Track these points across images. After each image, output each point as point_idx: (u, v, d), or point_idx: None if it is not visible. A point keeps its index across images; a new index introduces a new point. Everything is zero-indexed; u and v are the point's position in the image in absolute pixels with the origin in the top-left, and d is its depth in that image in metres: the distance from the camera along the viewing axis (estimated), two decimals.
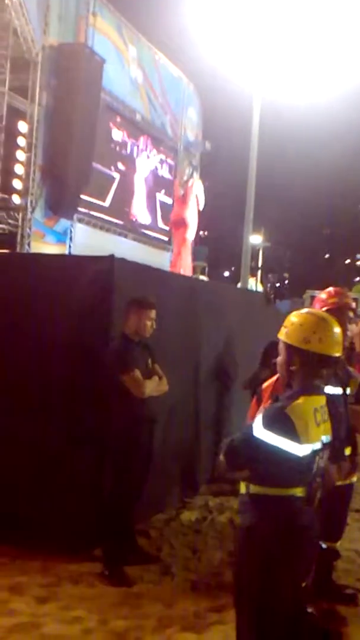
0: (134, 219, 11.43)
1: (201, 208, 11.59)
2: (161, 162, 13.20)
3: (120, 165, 12.66)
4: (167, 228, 13.88)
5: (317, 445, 2.99)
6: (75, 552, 5.04)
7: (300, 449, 2.88)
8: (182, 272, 10.85)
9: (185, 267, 11.15)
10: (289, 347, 3.10)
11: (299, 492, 2.99)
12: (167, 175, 13.75)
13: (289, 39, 14.26)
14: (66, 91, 9.69)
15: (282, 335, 3.14)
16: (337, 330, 3.13)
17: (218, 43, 14.99)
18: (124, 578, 4.80)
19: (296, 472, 2.94)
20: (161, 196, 13.31)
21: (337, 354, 3.11)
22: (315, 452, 2.97)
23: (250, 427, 2.97)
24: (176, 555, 5.35)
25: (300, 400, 2.97)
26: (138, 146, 11.82)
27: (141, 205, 12.64)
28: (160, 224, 13.14)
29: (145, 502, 5.36)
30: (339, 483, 3.94)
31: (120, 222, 12.23)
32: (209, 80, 17.27)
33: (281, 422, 2.90)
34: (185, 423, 6.72)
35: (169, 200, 13.72)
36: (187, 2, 15.03)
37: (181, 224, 11.41)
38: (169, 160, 13.13)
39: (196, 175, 11.33)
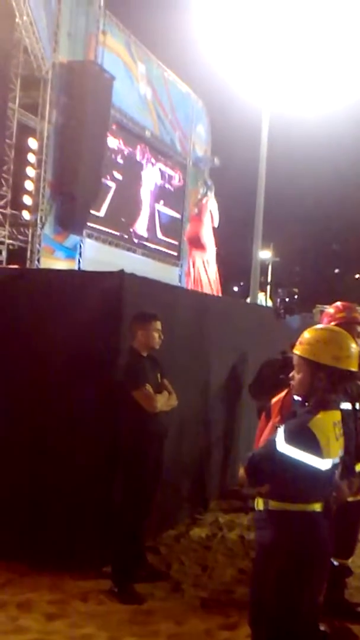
0: (132, 231, 11.38)
1: (216, 225, 11.59)
2: (161, 172, 13.19)
3: (117, 174, 12.63)
4: (175, 242, 13.91)
5: (337, 460, 3.02)
6: (84, 569, 5.01)
7: (323, 463, 2.91)
8: (207, 291, 10.84)
9: (212, 287, 11.13)
10: (314, 364, 3.09)
11: (318, 507, 3.00)
12: (168, 186, 13.73)
13: (296, 53, 14.35)
14: (76, 108, 9.77)
15: (304, 352, 3.13)
16: (354, 346, 3.18)
17: (226, 58, 15.11)
18: (134, 595, 4.77)
19: (317, 487, 2.97)
20: (160, 207, 13.30)
21: (355, 369, 3.14)
22: (335, 467, 3.00)
23: (273, 442, 2.97)
24: (186, 572, 5.31)
25: (320, 415, 2.99)
26: (135, 154, 11.77)
27: (145, 218, 12.65)
28: (160, 236, 13.11)
29: (155, 518, 5.33)
30: (349, 499, 3.91)
31: (126, 237, 12.27)
32: (218, 96, 17.39)
33: (305, 437, 2.92)
34: (195, 439, 6.69)
35: (170, 212, 13.74)
36: (194, 19, 15.17)
37: (197, 242, 11.42)
38: (169, 170, 13.10)
39: (210, 194, 11.33)
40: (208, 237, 11.31)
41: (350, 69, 16.08)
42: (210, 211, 11.21)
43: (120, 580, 4.83)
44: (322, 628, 4.01)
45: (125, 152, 12.48)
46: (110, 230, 10.58)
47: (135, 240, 11.61)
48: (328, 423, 2.98)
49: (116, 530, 4.93)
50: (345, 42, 15.11)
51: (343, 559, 4.66)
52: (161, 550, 5.68)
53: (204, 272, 11.15)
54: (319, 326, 3.38)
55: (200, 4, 14.47)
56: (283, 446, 2.92)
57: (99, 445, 5.13)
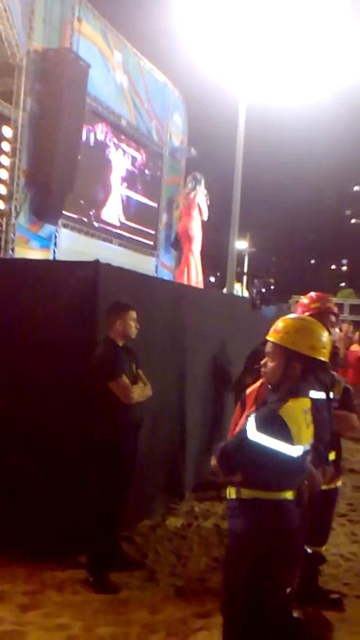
0: (91, 214, 11.16)
1: (205, 218, 11.52)
2: (133, 158, 13.03)
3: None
4: (151, 232, 13.84)
5: (307, 447, 3.05)
6: (59, 558, 5.01)
7: (293, 450, 2.93)
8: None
9: (196, 282, 11.11)
10: (290, 352, 3.11)
11: (289, 495, 3.02)
12: (143, 173, 13.56)
13: (274, 42, 14.32)
14: (51, 96, 9.66)
15: (282, 340, 3.14)
16: (326, 335, 3.24)
17: (203, 48, 15.05)
18: (109, 584, 4.78)
19: (289, 475, 2.99)
20: (134, 194, 13.16)
21: (325, 359, 3.19)
22: (306, 454, 3.03)
23: (244, 431, 2.98)
24: (161, 562, 5.34)
25: (290, 402, 3.01)
26: (95, 133, 11.49)
27: (114, 204, 12.48)
28: (133, 224, 12.95)
29: (131, 508, 5.34)
30: (323, 487, 3.94)
31: (107, 228, 12.14)
32: (194, 86, 17.34)
33: (275, 424, 2.93)
34: (170, 429, 6.70)
35: (145, 200, 13.62)
36: (171, 7, 15.08)
37: (186, 236, 11.39)
38: (136, 154, 12.89)
39: (199, 187, 11.24)
40: (197, 233, 11.28)
41: (327, 58, 16.14)
42: (199, 204, 11.17)
43: (96, 570, 4.84)
44: (295, 615, 4.06)
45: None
46: (67, 213, 10.33)
47: (95, 224, 11.41)
48: (298, 410, 3.01)
49: (91, 520, 4.93)
50: (322, 31, 15.14)
51: (317, 547, 4.71)
52: (137, 539, 5.69)
53: (194, 270, 11.14)
54: (293, 315, 3.40)
55: None
56: (254, 434, 2.93)
57: (75, 436, 5.12)
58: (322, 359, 3.14)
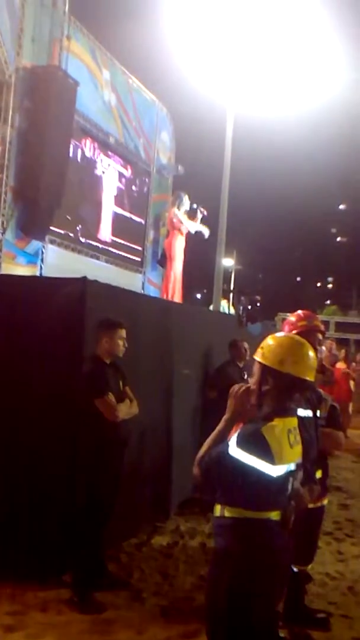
0: (78, 229, 11.15)
1: (192, 231, 11.54)
2: (120, 174, 13.05)
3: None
4: (138, 248, 13.85)
5: (292, 467, 3.00)
6: (43, 578, 4.95)
7: (274, 470, 2.88)
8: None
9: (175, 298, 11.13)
10: (263, 367, 3.12)
11: (274, 515, 2.97)
12: (131, 190, 13.61)
13: (261, 60, 14.45)
14: (39, 113, 9.69)
15: (258, 355, 3.17)
16: (312, 355, 3.19)
17: (190, 65, 15.17)
18: (94, 604, 4.73)
19: (270, 494, 2.92)
20: (122, 211, 13.19)
21: (310, 379, 3.15)
22: (289, 474, 2.97)
23: (226, 445, 2.96)
24: (147, 581, 5.29)
25: (275, 421, 2.98)
26: (83, 149, 11.49)
27: (103, 221, 12.49)
28: (121, 240, 12.95)
29: (116, 527, 5.30)
30: (310, 506, 3.93)
31: (93, 244, 12.12)
32: (182, 104, 17.47)
33: (256, 442, 2.90)
34: (156, 446, 6.68)
35: (133, 217, 13.65)
36: (158, 25, 15.24)
37: (168, 254, 11.45)
38: (120, 168, 12.92)
39: (182, 206, 11.26)
40: (178, 251, 11.31)
41: (313, 75, 16.33)
42: (180, 223, 11.20)
43: (80, 590, 4.79)
44: (282, 635, 4.03)
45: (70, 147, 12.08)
46: (53, 229, 10.32)
47: (82, 240, 11.40)
48: (282, 430, 2.97)
49: (76, 539, 4.89)
50: (309, 45, 15.31)
51: (303, 566, 4.69)
52: (122, 558, 5.65)
53: (172, 285, 11.16)
54: (280, 334, 3.39)
55: (164, 11, 14.54)
56: (234, 450, 2.91)
57: (60, 454, 5.08)
58: (306, 378, 3.11)
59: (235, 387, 3.23)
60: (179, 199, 11.39)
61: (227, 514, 3.01)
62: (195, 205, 11.50)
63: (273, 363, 3.09)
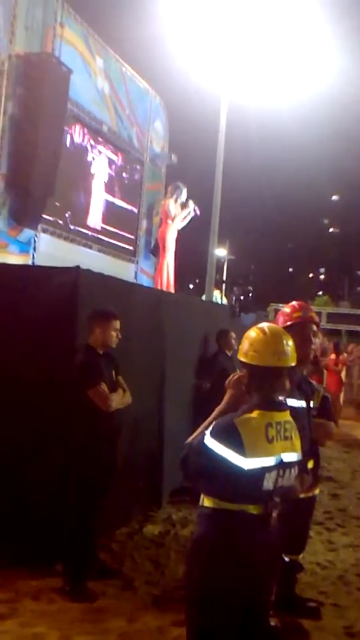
0: (67, 216, 11.05)
1: (179, 227, 11.43)
2: (110, 160, 12.95)
3: None
4: (131, 236, 13.80)
5: (268, 462, 2.92)
6: (35, 566, 4.96)
7: (245, 462, 2.84)
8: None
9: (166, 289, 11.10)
10: (240, 361, 3.16)
11: (252, 509, 2.93)
12: (122, 178, 13.52)
13: (255, 50, 14.39)
14: (32, 101, 9.61)
15: (238, 353, 3.21)
16: (281, 341, 3.10)
17: (184, 54, 15.09)
18: (86, 593, 4.74)
19: (244, 487, 2.88)
20: (113, 199, 13.11)
21: (280, 365, 3.06)
22: (265, 469, 2.91)
23: (203, 435, 2.96)
24: (139, 570, 5.31)
25: (254, 414, 2.95)
26: (72, 136, 11.36)
27: (94, 208, 12.38)
28: (113, 228, 12.87)
29: (108, 515, 5.31)
30: (301, 496, 3.96)
31: (86, 232, 12.05)
32: (175, 93, 17.40)
33: (228, 433, 2.88)
34: (148, 436, 6.69)
35: (125, 205, 13.58)
36: (152, 13, 15.15)
37: (161, 244, 11.40)
38: (110, 154, 12.81)
39: (179, 197, 11.19)
40: (171, 241, 11.27)
41: (305, 67, 16.29)
42: (172, 213, 11.14)
43: (72, 578, 4.80)
44: (273, 624, 4.06)
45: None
46: (44, 216, 10.25)
47: (71, 227, 11.30)
48: (259, 423, 2.93)
49: (68, 528, 4.89)
50: (303, 35, 15.28)
51: (294, 555, 4.72)
52: (114, 547, 5.67)
53: (165, 275, 11.13)
54: (255, 326, 3.32)
55: None
56: (208, 440, 2.90)
57: (52, 443, 5.08)
58: (253, 363, 3.06)
59: (232, 377, 3.23)
60: (177, 190, 11.31)
61: (206, 503, 3.01)
62: (191, 202, 11.43)
63: (240, 355, 3.14)
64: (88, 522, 4.95)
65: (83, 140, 11.80)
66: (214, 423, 3.00)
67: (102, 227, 12.46)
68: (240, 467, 2.83)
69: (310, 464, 4.42)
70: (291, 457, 3.05)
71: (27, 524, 5.10)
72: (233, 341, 7.94)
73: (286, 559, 4.62)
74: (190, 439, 3.08)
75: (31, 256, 10.16)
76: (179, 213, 11.24)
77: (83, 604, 4.61)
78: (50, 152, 9.75)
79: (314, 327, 4.57)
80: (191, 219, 11.63)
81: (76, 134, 11.49)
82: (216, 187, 14.67)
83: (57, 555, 4.96)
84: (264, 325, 3.23)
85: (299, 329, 4.32)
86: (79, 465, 4.88)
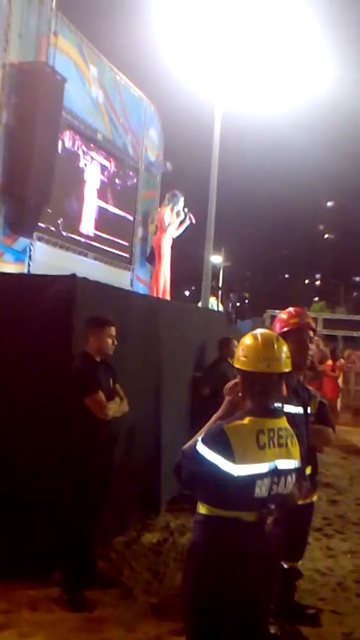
0: (59, 223, 11.03)
1: (174, 236, 11.42)
2: (102, 166, 12.94)
3: None
4: (126, 244, 13.80)
5: (260, 469, 2.90)
6: (33, 576, 4.94)
7: (234, 469, 2.82)
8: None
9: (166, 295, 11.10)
10: (238, 370, 3.16)
11: (244, 516, 2.92)
12: (116, 184, 13.52)
13: (249, 56, 14.44)
14: (27, 110, 9.63)
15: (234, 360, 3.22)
16: (271, 347, 3.08)
17: (178, 62, 15.14)
18: (84, 602, 4.72)
19: (234, 494, 2.86)
20: (107, 206, 13.10)
21: (269, 370, 3.04)
22: (256, 476, 2.89)
23: (195, 442, 2.96)
24: (137, 578, 5.29)
25: (245, 420, 2.94)
26: (63, 141, 11.34)
27: (86, 214, 12.37)
28: (107, 235, 12.86)
29: (106, 524, 5.29)
30: (300, 502, 3.94)
31: (80, 240, 12.04)
32: (170, 101, 17.45)
33: (217, 439, 2.88)
34: (146, 442, 6.67)
35: (120, 212, 13.57)
36: (146, 22, 15.21)
37: (157, 252, 11.41)
38: (102, 160, 12.79)
39: (176, 206, 11.19)
40: (166, 249, 11.28)
41: (299, 73, 16.34)
42: (167, 221, 11.15)
43: (70, 587, 4.78)
44: (272, 631, 4.04)
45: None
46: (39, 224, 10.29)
47: (64, 234, 11.29)
48: (250, 429, 2.91)
49: (66, 537, 4.87)
50: (297, 42, 15.31)
51: (293, 562, 4.71)
52: (112, 556, 5.64)
53: (162, 283, 11.14)
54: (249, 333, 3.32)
55: (152, 7, 14.50)
56: (200, 446, 2.90)
57: (49, 451, 5.06)
58: (243, 368, 3.06)
59: (229, 384, 3.23)
60: (175, 198, 11.32)
61: (201, 510, 3.01)
62: (186, 210, 11.44)
63: (235, 362, 3.17)
64: (86, 531, 4.94)
65: (73, 145, 11.80)
66: (206, 430, 3.00)
67: (95, 234, 12.44)
68: (229, 473, 2.82)
69: (308, 470, 4.41)
70: (287, 464, 3.02)
71: (24, 533, 5.07)
72: (235, 349, 7.93)
73: (285, 565, 4.60)
74: (185, 445, 3.08)
75: (26, 265, 10.15)
76: (174, 221, 11.25)
77: (81, 614, 4.59)
78: (45, 161, 9.76)
79: (311, 333, 4.57)
80: (187, 227, 11.64)
81: (67, 140, 11.49)
82: (211, 194, 14.69)
83: (55, 564, 4.94)
84: (258, 331, 3.23)
85: (296, 335, 4.31)
86: (75, 473, 4.86)
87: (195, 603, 2.93)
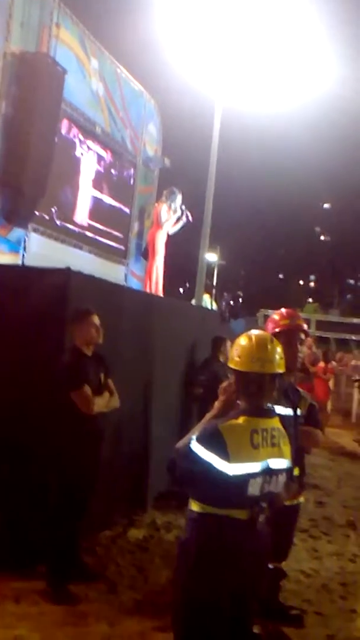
0: (53, 211, 10.98)
1: (170, 233, 11.39)
2: (99, 157, 12.89)
3: None
4: (120, 235, 13.76)
5: (253, 468, 2.94)
6: (18, 568, 4.92)
7: (228, 468, 2.85)
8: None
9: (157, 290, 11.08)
10: (229, 367, 3.20)
11: (237, 514, 2.95)
12: (112, 176, 13.47)
13: (250, 53, 14.42)
14: (26, 100, 9.58)
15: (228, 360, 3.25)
16: (265, 347, 3.11)
17: (179, 57, 15.10)
18: (68, 596, 4.71)
19: (228, 492, 2.90)
20: (103, 196, 13.04)
21: (263, 371, 3.07)
22: (250, 475, 2.92)
23: (189, 440, 2.97)
24: (122, 574, 5.29)
25: (240, 420, 2.97)
26: (62, 133, 11.29)
27: (81, 204, 12.30)
28: (102, 226, 12.80)
29: (92, 518, 5.28)
30: (286, 503, 3.94)
31: (75, 231, 11.97)
32: (169, 97, 17.41)
33: (212, 438, 2.91)
34: (134, 439, 6.67)
35: (115, 204, 13.53)
36: (148, 17, 15.15)
37: (151, 247, 11.38)
38: (98, 150, 12.73)
39: (173, 203, 11.16)
40: (160, 245, 11.26)
41: (298, 74, 16.31)
42: (162, 217, 11.12)
43: (55, 581, 4.77)
44: (255, 631, 4.04)
45: None
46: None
47: (57, 222, 11.22)
48: (244, 428, 2.95)
49: (51, 530, 4.86)
50: (298, 41, 15.28)
51: (278, 562, 4.71)
52: (97, 551, 5.63)
53: (154, 278, 11.12)
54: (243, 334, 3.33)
55: (154, 2, 14.45)
56: (194, 444, 2.92)
57: (36, 445, 5.05)
58: (237, 368, 3.09)
59: (224, 384, 3.24)
60: (172, 195, 11.29)
61: (193, 507, 3.04)
62: (183, 207, 11.42)
63: (229, 361, 3.20)
64: (71, 524, 4.92)
65: (70, 134, 11.74)
66: (201, 429, 3.01)
67: (89, 224, 12.37)
68: (224, 472, 2.85)
69: (296, 472, 4.41)
70: (279, 463, 3.06)
71: (9, 526, 5.05)
72: (228, 348, 7.94)
73: (270, 566, 4.60)
74: (179, 443, 3.08)
75: (21, 256, 10.11)
76: (171, 218, 11.23)
77: (65, 607, 4.58)
78: (42, 153, 9.72)
79: (302, 335, 4.57)
80: (183, 225, 11.62)
81: (64, 129, 11.41)
82: (208, 192, 14.68)
83: (40, 557, 4.93)
84: (253, 332, 3.24)
85: (286, 337, 4.31)
86: (61, 466, 4.84)
87: (189, 600, 2.95)
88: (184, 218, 11.49)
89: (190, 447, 2.93)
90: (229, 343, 8.01)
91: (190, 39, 14.53)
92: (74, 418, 4.81)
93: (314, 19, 15.90)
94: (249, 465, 2.92)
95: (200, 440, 2.92)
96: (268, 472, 3.00)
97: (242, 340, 3.16)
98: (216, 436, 2.90)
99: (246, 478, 2.91)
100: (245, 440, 2.93)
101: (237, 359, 3.10)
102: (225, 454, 2.86)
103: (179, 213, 11.34)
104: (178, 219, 11.40)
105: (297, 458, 4.36)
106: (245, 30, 14.16)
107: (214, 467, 2.85)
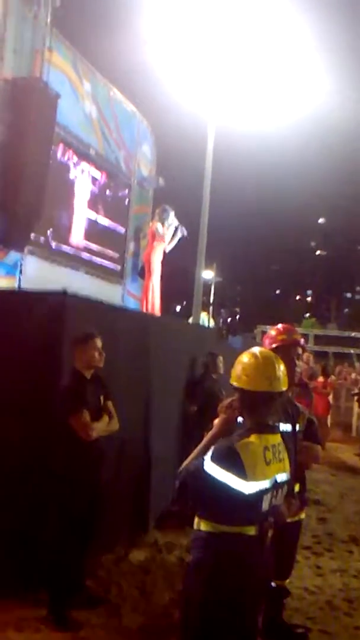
0: (49, 233, 11.00)
1: (167, 250, 11.43)
2: (93, 178, 12.95)
3: None
4: (116, 255, 13.79)
5: (266, 484, 2.97)
6: (19, 595, 4.88)
7: (246, 487, 2.87)
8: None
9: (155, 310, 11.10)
10: (233, 386, 3.18)
11: (249, 530, 2.97)
12: (107, 196, 13.53)
13: (242, 73, 14.55)
14: (19, 125, 9.66)
15: (231, 378, 3.23)
16: (273, 366, 3.14)
17: (171, 78, 15.23)
18: (70, 622, 4.67)
19: (243, 510, 2.92)
20: (98, 217, 13.10)
21: (272, 389, 3.10)
22: (263, 491, 2.95)
23: (202, 460, 2.96)
24: (125, 597, 5.24)
25: (252, 438, 2.98)
26: (55, 153, 11.35)
27: (77, 225, 12.34)
28: (97, 247, 12.83)
29: (94, 542, 5.24)
30: (288, 520, 3.93)
31: (70, 253, 12.01)
32: (163, 117, 17.53)
33: (229, 458, 2.91)
34: (134, 460, 6.63)
35: (111, 224, 13.58)
36: (140, 38, 15.31)
37: (147, 266, 11.43)
38: (94, 171, 12.79)
39: (166, 220, 11.22)
40: (156, 263, 11.31)
41: (291, 90, 16.45)
42: (159, 235, 11.17)
43: (57, 607, 4.73)
44: None
45: None
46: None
47: (53, 244, 11.24)
48: (258, 446, 2.97)
49: (52, 557, 4.82)
50: (290, 60, 15.41)
51: (281, 580, 4.68)
52: (99, 574, 5.59)
53: (151, 297, 11.14)
54: (247, 351, 3.35)
55: (146, 24, 14.60)
56: (209, 465, 2.92)
57: (36, 470, 5.02)
58: (245, 388, 3.10)
59: (225, 402, 3.25)
60: (165, 213, 11.36)
61: (202, 527, 3.03)
62: (177, 224, 11.48)
63: (233, 380, 3.17)
64: (74, 550, 4.88)
65: (64, 157, 11.80)
66: (213, 448, 2.99)
67: (85, 245, 12.41)
68: (241, 491, 2.86)
69: (296, 488, 4.40)
70: (283, 477, 3.11)
71: (11, 553, 5.02)
72: (220, 364, 7.94)
73: (273, 584, 4.57)
74: (185, 463, 3.09)
75: (17, 279, 10.13)
76: (165, 235, 11.29)
77: (68, 633, 4.54)
78: (37, 176, 9.78)
79: (299, 350, 4.57)
80: (179, 241, 11.67)
81: (59, 152, 11.48)
82: (203, 210, 14.74)
83: (41, 584, 4.89)
84: (256, 350, 3.26)
85: (283, 352, 4.30)
86: (60, 492, 4.81)
87: (205, 619, 2.94)
88: (179, 233, 11.56)
89: (204, 468, 2.93)
90: (220, 358, 8.01)
91: (181, 59, 14.66)
92: (73, 442, 4.78)
93: (304, 38, 16.05)
94: (263, 482, 2.95)
95: (216, 460, 2.92)
96: (275, 487, 3.04)
97: (246, 358, 3.16)
98: (233, 456, 2.90)
99: (260, 495, 2.94)
100: (260, 457, 2.96)
101: (244, 377, 3.10)
102: (243, 473, 2.87)
103: (173, 229, 11.41)
104: (174, 235, 11.48)
105: (297, 474, 4.35)
106: (237, 49, 14.29)
107: (231, 487, 2.86)
